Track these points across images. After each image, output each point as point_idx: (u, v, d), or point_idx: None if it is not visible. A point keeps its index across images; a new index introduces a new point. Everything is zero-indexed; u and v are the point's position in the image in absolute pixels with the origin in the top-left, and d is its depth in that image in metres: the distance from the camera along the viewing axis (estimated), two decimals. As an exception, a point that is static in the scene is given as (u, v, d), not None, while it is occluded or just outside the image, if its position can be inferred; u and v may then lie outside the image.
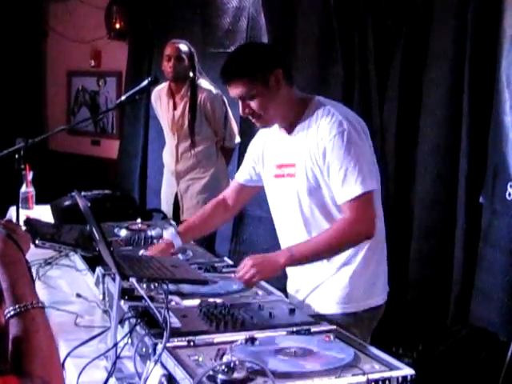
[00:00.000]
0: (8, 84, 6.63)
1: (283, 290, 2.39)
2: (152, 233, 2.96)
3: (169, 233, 2.60)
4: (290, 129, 2.32)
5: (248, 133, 4.66)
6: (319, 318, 2.04)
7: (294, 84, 2.32)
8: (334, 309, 2.29)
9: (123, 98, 3.13)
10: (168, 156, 4.40)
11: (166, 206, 4.42)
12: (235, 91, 2.24)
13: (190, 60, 4.18)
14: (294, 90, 2.31)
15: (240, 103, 2.26)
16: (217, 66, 4.81)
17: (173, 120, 4.28)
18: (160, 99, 4.37)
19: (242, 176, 2.60)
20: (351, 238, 2.20)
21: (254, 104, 2.23)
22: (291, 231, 2.38)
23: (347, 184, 2.15)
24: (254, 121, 2.30)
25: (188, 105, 4.18)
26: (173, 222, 3.39)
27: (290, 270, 2.45)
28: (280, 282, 2.49)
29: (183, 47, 4.19)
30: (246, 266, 2.19)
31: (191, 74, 4.18)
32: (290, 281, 2.49)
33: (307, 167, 2.24)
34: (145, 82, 3.06)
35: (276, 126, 2.38)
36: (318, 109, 2.25)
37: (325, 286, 2.33)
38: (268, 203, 2.50)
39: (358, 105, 3.95)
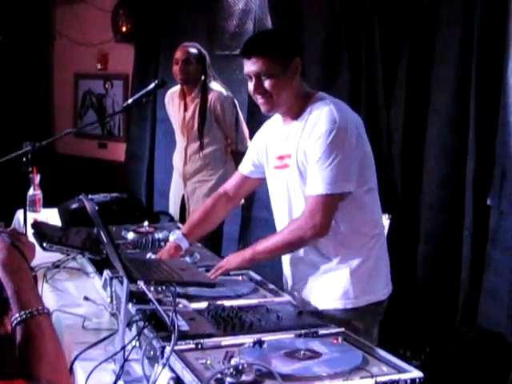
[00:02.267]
0: (15, 87, 6.65)
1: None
2: (159, 235, 2.97)
3: (175, 236, 2.59)
4: (291, 121, 2.35)
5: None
6: (318, 314, 2.10)
7: (305, 79, 2.36)
8: (333, 304, 2.30)
9: (130, 100, 3.14)
10: (177, 158, 4.40)
11: (174, 208, 4.42)
12: (254, 66, 2.23)
13: (201, 63, 4.16)
14: (304, 85, 2.35)
15: (253, 80, 2.25)
16: (223, 69, 4.90)
17: (183, 121, 4.27)
18: (172, 101, 4.37)
19: (245, 167, 2.62)
20: (299, 237, 2.24)
21: (269, 83, 2.23)
22: (281, 221, 2.41)
23: (317, 180, 2.19)
24: (262, 102, 2.29)
25: (198, 106, 4.18)
26: (180, 225, 3.39)
27: (284, 266, 2.48)
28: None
29: (192, 50, 4.17)
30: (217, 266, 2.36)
31: (202, 77, 4.17)
32: (284, 277, 2.49)
33: (298, 159, 2.27)
34: (151, 85, 3.07)
35: (279, 119, 2.41)
36: (317, 103, 2.28)
37: (323, 282, 2.33)
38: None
39: (364, 107, 3.94)
